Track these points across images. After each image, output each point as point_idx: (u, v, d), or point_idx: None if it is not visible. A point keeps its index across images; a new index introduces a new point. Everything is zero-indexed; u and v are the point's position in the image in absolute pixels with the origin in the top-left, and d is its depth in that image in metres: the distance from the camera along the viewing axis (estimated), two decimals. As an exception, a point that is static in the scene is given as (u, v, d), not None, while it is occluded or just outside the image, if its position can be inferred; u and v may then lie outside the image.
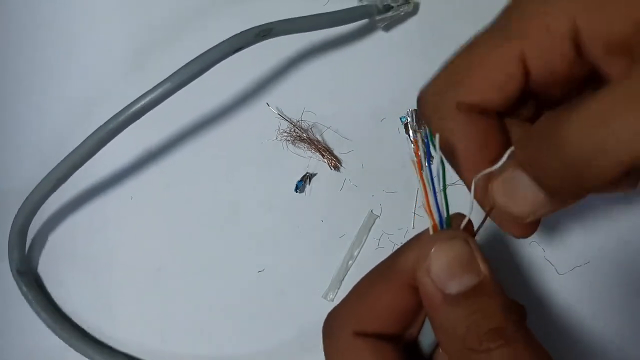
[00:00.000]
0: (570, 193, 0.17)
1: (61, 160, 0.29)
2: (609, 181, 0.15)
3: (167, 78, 0.28)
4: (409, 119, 0.33)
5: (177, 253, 0.34)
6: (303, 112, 0.33)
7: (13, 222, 0.32)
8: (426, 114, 0.21)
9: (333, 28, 0.33)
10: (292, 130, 0.33)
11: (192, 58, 0.28)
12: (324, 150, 0.33)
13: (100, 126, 0.28)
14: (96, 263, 0.34)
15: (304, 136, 0.33)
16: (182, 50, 0.34)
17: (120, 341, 0.34)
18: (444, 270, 0.18)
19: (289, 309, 0.33)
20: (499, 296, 0.19)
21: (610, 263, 0.31)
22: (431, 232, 0.20)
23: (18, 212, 0.32)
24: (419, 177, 0.19)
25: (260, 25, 0.28)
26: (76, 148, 0.29)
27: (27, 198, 0.31)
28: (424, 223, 0.32)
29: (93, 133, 0.28)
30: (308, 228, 0.33)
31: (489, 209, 0.20)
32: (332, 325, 0.21)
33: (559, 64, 0.18)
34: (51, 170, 0.30)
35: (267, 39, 0.28)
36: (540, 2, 0.18)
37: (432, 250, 0.19)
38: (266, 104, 0.34)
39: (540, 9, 0.18)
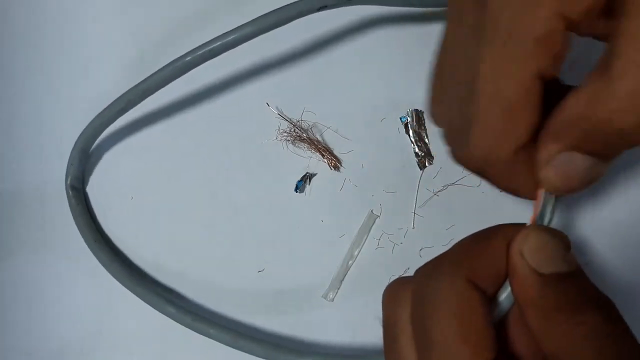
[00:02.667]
0: (623, 150, 0.18)
1: (134, 85, 0.31)
2: None
3: (247, 22, 0.28)
4: (409, 119, 0.33)
5: (177, 253, 0.34)
6: (303, 112, 0.33)
7: (78, 138, 0.33)
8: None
9: (333, 28, 0.33)
10: (292, 130, 0.33)
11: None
12: (324, 150, 0.33)
13: (177, 58, 0.30)
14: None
15: (304, 136, 0.33)
16: (183, 51, 0.35)
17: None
18: (538, 254, 0.19)
19: (289, 309, 0.33)
20: (593, 286, 0.20)
21: (610, 263, 0.31)
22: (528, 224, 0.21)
23: (85, 129, 0.32)
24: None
25: None
26: (151, 75, 0.30)
27: (96, 117, 0.32)
28: (424, 223, 0.32)
29: (168, 64, 0.30)
30: (308, 228, 0.33)
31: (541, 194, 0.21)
32: (439, 270, 0.20)
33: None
34: (124, 93, 0.31)
35: (351, 4, 0.29)
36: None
37: (526, 233, 0.20)
38: (266, 104, 0.34)
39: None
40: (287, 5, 0.28)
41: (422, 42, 0.33)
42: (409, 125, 0.33)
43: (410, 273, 0.32)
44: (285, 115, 0.33)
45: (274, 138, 0.34)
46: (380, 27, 0.33)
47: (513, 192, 0.22)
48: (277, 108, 0.34)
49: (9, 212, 0.35)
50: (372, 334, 0.32)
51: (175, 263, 0.34)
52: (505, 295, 0.21)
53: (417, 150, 0.32)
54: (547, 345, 0.18)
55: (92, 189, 0.35)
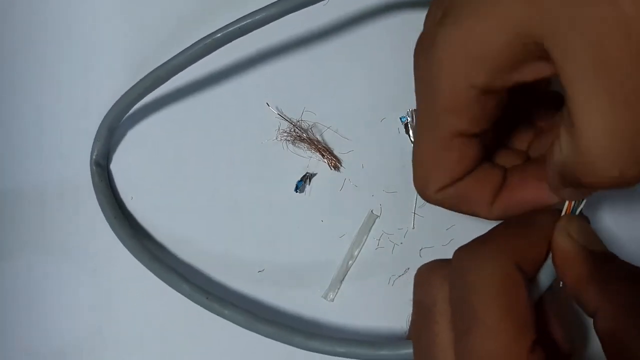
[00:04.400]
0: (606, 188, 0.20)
1: (164, 62, 0.31)
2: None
3: (272, 3, 0.29)
4: (409, 119, 0.33)
5: (177, 253, 0.34)
6: (303, 112, 0.33)
7: (106, 115, 0.33)
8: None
9: (333, 28, 0.33)
10: (292, 130, 0.33)
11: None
12: (324, 150, 0.33)
13: (206, 35, 0.30)
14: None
15: (304, 136, 0.33)
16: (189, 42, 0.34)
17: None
18: (585, 233, 0.21)
19: (289, 309, 0.33)
20: (632, 265, 0.21)
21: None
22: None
23: (113, 106, 0.32)
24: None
25: None
26: (179, 53, 0.30)
27: (124, 94, 0.32)
28: (424, 223, 0.32)
29: (197, 41, 0.30)
30: (308, 228, 0.33)
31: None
32: (482, 253, 0.21)
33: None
34: (152, 70, 0.31)
35: None
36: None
37: (574, 217, 0.22)
38: (266, 104, 0.34)
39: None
40: None
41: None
42: (409, 125, 0.33)
43: (411, 273, 0.32)
44: (285, 115, 0.33)
45: (274, 138, 0.34)
46: (380, 27, 0.33)
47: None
48: (277, 108, 0.34)
49: (9, 212, 0.35)
50: (372, 334, 0.32)
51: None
52: (544, 276, 0.22)
53: (417, 150, 0.32)
54: (608, 311, 0.19)
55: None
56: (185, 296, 0.32)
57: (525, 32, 0.17)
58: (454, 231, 0.32)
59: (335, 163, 0.33)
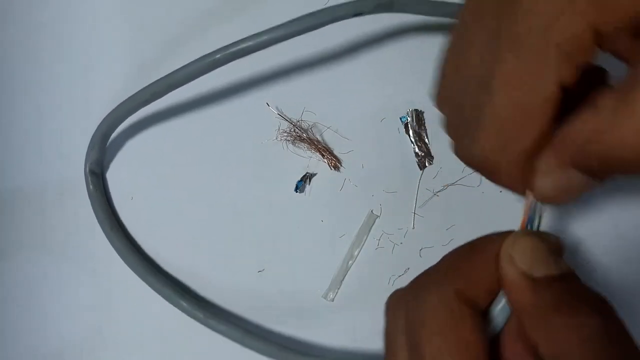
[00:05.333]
0: (619, 175, 0.18)
1: (161, 77, 0.31)
2: None
3: (280, 25, 0.28)
4: (409, 119, 0.33)
5: (177, 253, 0.34)
6: (303, 112, 0.33)
7: (100, 123, 0.33)
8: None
9: (333, 29, 0.33)
10: (292, 130, 0.33)
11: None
12: (324, 150, 0.33)
13: (207, 54, 0.29)
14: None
15: (304, 136, 0.33)
16: (183, 53, 0.35)
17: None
18: (528, 258, 0.20)
19: (289, 309, 0.33)
20: (583, 285, 0.20)
21: (610, 263, 0.31)
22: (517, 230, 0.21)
23: (108, 115, 0.32)
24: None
25: None
26: (178, 69, 0.30)
27: (119, 104, 0.32)
28: (424, 223, 0.32)
29: (197, 59, 0.30)
30: (308, 228, 0.33)
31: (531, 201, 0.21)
32: (428, 282, 0.20)
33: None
34: (149, 84, 0.31)
35: (386, 12, 0.29)
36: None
37: (515, 238, 0.20)
38: (266, 104, 0.34)
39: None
40: (323, 9, 0.28)
41: (423, 42, 0.33)
42: (409, 125, 0.33)
43: (411, 273, 0.32)
44: (285, 115, 0.33)
45: (274, 138, 0.34)
46: (380, 28, 0.33)
47: (506, 188, 0.22)
48: (277, 108, 0.34)
49: (9, 212, 0.35)
50: (372, 334, 0.32)
51: (182, 259, 0.34)
52: (499, 307, 0.20)
53: (417, 150, 0.32)
54: (547, 350, 0.18)
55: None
56: (182, 311, 0.32)
57: None
58: (454, 231, 0.32)
59: (335, 163, 0.33)
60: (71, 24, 0.36)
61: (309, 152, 0.33)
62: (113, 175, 0.35)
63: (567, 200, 0.20)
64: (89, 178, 0.34)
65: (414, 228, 0.32)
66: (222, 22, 0.35)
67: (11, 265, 0.35)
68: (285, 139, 0.33)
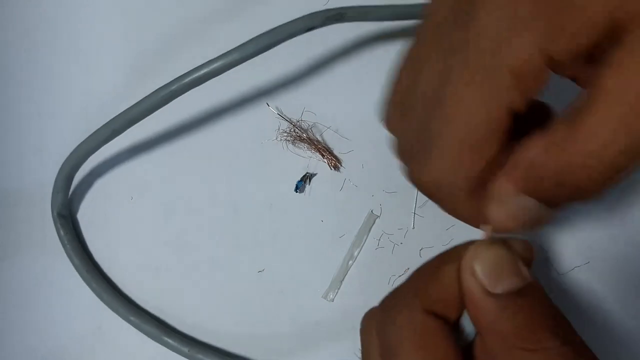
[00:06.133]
0: (571, 202, 0.18)
1: (119, 113, 0.30)
2: (606, 184, 0.17)
3: (234, 48, 0.28)
4: (409, 119, 0.33)
5: (177, 253, 0.34)
6: (303, 112, 0.33)
7: (62, 165, 0.32)
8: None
9: (332, 28, 0.33)
10: (292, 130, 0.33)
11: (199, 63, 0.29)
12: (324, 150, 0.33)
13: (163, 85, 0.29)
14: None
15: (304, 136, 0.33)
16: (182, 55, 0.35)
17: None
18: (489, 271, 0.19)
19: (289, 309, 0.33)
20: (549, 301, 0.19)
21: (610, 263, 0.31)
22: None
23: (69, 156, 0.32)
24: None
25: (333, 9, 0.28)
26: (135, 104, 0.30)
27: (79, 145, 0.32)
28: (424, 223, 0.32)
29: (153, 92, 0.29)
30: (308, 228, 0.33)
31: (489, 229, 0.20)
32: (397, 302, 0.20)
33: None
34: (108, 121, 0.31)
35: (338, 22, 0.29)
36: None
37: (477, 250, 0.19)
38: (266, 104, 0.34)
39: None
40: (275, 28, 0.28)
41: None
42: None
43: (411, 273, 0.32)
44: (285, 115, 0.33)
45: (274, 138, 0.34)
46: (380, 28, 0.33)
47: (459, 219, 0.21)
48: (277, 108, 0.34)
49: (9, 212, 0.35)
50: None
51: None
52: (466, 319, 0.20)
53: (417, 150, 0.32)
54: None
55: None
56: (167, 348, 0.32)
57: (617, 7, 0.16)
58: (454, 231, 0.32)
59: (335, 163, 0.33)
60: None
61: (309, 152, 0.33)
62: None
63: (520, 229, 0.19)
64: (58, 222, 0.33)
65: (414, 228, 0.32)
66: (214, 28, 0.35)
67: (11, 265, 0.35)
68: (285, 139, 0.33)
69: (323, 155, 0.33)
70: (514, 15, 0.17)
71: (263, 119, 0.34)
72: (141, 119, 0.30)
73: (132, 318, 0.32)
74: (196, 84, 0.29)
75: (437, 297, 0.20)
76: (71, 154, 0.32)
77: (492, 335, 0.19)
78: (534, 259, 0.20)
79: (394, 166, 0.33)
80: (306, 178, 0.33)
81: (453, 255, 0.20)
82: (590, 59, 0.17)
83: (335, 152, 0.33)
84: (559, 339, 0.18)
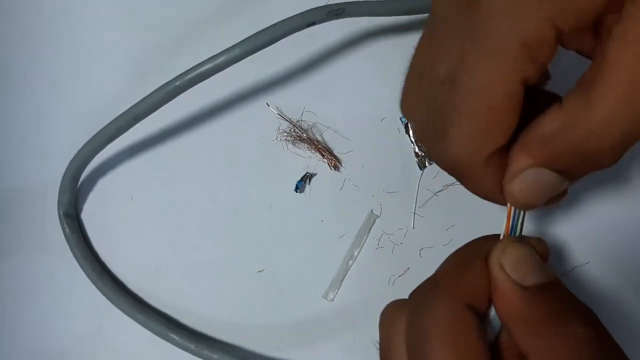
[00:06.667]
0: (588, 171, 0.19)
1: (125, 111, 0.30)
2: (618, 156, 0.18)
3: (237, 44, 0.28)
4: (409, 119, 0.33)
5: (177, 253, 0.34)
6: (303, 112, 0.33)
7: (68, 165, 0.32)
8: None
9: (332, 28, 0.33)
10: (292, 130, 0.33)
11: (201, 60, 0.29)
12: (324, 150, 0.33)
13: (167, 82, 0.29)
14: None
15: (304, 136, 0.33)
16: (184, 54, 0.35)
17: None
18: (518, 265, 0.20)
19: (289, 309, 0.33)
20: (570, 293, 0.20)
21: (610, 263, 0.31)
22: (502, 236, 0.21)
23: (75, 155, 0.32)
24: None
25: (333, 4, 0.29)
26: (140, 101, 0.30)
27: (85, 144, 0.32)
28: (424, 223, 0.32)
29: (158, 89, 0.29)
30: (308, 228, 0.33)
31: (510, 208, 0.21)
32: (432, 296, 0.20)
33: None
34: (114, 119, 0.31)
35: (338, 18, 0.29)
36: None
37: (504, 246, 0.20)
38: (266, 104, 0.34)
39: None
40: (276, 23, 0.28)
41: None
42: (409, 125, 0.33)
43: (411, 273, 0.32)
44: (285, 115, 0.33)
45: (274, 138, 0.34)
46: (380, 27, 0.33)
47: (481, 196, 0.22)
48: (277, 108, 0.34)
49: (9, 212, 0.35)
50: (372, 335, 0.32)
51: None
52: (495, 312, 0.20)
53: (417, 150, 0.32)
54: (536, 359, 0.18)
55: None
56: (173, 344, 0.32)
57: None
58: (454, 231, 0.32)
59: (335, 163, 0.33)
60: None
61: (309, 152, 0.33)
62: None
63: (538, 203, 0.20)
64: (64, 222, 0.33)
65: (414, 228, 0.32)
66: (219, 24, 0.35)
67: (11, 265, 0.35)
68: (285, 139, 0.33)
69: (323, 155, 0.33)
70: None
71: (263, 119, 0.34)
72: (146, 116, 0.30)
73: (138, 316, 0.32)
74: (199, 80, 0.29)
75: (471, 290, 0.20)
76: (77, 153, 0.32)
77: (520, 325, 0.19)
78: (549, 255, 0.21)
79: (394, 166, 0.33)
80: (306, 178, 0.33)
81: (478, 250, 0.21)
82: (597, 32, 0.18)
83: (335, 152, 0.33)
84: (590, 325, 0.18)
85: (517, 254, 0.20)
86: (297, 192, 0.33)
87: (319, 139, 0.33)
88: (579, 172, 0.19)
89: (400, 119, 0.33)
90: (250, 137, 0.34)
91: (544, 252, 0.21)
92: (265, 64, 0.34)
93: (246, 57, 0.28)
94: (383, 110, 0.33)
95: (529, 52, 0.18)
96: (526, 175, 0.19)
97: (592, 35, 0.19)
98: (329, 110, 0.33)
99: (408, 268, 0.32)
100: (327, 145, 0.33)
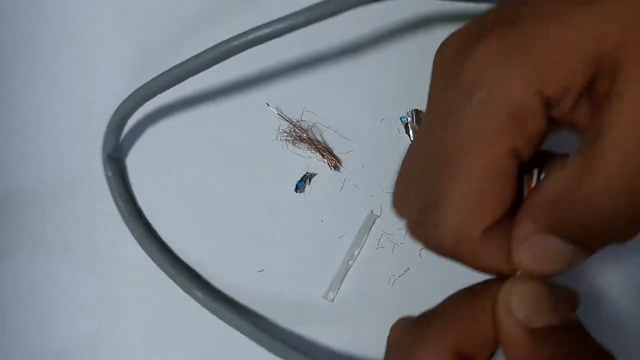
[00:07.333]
0: (605, 244, 0.17)
1: (179, 63, 0.30)
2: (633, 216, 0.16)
3: (295, 12, 0.27)
4: (409, 119, 0.33)
5: (177, 253, 0.34)
6: (303, 112, 0.33)
7: (117, 109, 0.32)
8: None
9: (332, 28, 0.33)
10: (292, 130, 0.33)
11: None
12: (324, 150, 0.33)
13: (224, 40, 0.29)
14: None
15: (304, 136, 0.33)
16: (183, 53, 0.35)
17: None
18: (527, 305, 0.18)
19: (289, 309, 0.33)
20: (589, 337, 0.18)
21: (610, 263, 0.31)
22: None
23: (124, 101, 0.32)
24: None
25: None
26: (195, 55, 0.29)
27: (136, 90, 0.31)
28: (424, 223, 0.32)
29: (216, 45, 0.29)
30: (308, 228, 0.33)
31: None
32: (423, 338, 0.19)
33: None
34: (167, 70, 0.30)
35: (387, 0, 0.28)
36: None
37: (514, 284, 0.19)
38: (266, 103, 0.34)
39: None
40: None
41: (423, 41, 0.33)
42: (409, 125, 0.33)
43: (411, 273, 0.32)
44: (285, 115, 0.33)
45: (274, 138, 0.34)
46: (379, 27, 0.33)
47: (489, 273, 0.20)
48: (277, 108, 0.34)
49: (9, 212, 0.35)
50: (372, 335, 0.32)
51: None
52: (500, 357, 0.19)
53: (417, 150, 0.32)
54: None
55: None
56: (197, 301, 0.32)
57: (601, 47, 0.16)
58: (454, 231, 0.32)
59: (335, 163, 0.33)
60: (74, 20, 0.36)
61: (309, 152, 0.33)
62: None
63: (552, 273, 0.19)
64: (107, 164, 0.33)
65: (414, 228, 0.32)
66: (229, 15, 0.35)
67: (11, 265, 0.35)
68: (285, 139, 0.33)
69: (323, 155, 0.33)
70: (503, 59, 0.17)
71: (263, 118, 0.34)
72: (199, 72, 0.30)
73: (168, 268, 0.32)
74: (257, 42, 0.28)
75: (468, 335, 0.19)
76: (126, 98, 0.32)
77: None
78: (578, 305, 0.20)
79: (394, 166, 0.33)
80: (306, 178, 0.33)
81: (486, 289, 0.19)
82: (591, 101, 0.17)
83: (335, 152, 0.33)
84: None
85: (527, 291, 0.18)
86: (297, 192, 0.33)
87: (319, 139, 0.33)
88: (590, 241, 0.17)
89: (400, 118, 0.33)
90: (250, 137, 0.34)
91: (569, 296, 0.19)
92: (266, 64, 0.34)
93: (306, 25, 0.27)
94: (383, 110, 0.33)
95: (516, 123, 0.17)
96: (533, 242, 0.18)
97: (586, 107, 0.18)
98: (329, 110, 0.33)
99: (408, 268, 0.32)
100: (327, 145, 0.33)
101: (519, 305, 0.18)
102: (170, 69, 0.30)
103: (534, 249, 0.18)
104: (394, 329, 0.21)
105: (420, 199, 0.20)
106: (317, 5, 0.27)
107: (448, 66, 0.19)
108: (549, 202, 0.17)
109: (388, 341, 0.21)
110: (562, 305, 0.18)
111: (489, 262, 0.19)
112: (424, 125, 0.20)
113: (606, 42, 0.16)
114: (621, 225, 0.16)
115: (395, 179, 0.22)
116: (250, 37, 0.28)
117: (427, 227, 0.19)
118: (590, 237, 0.17)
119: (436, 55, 0.20)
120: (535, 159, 0.19)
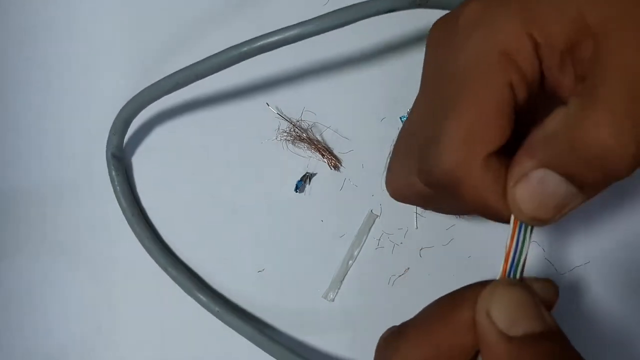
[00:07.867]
0: (602, 183, 0.17)
1: (185, 66, 0.30)
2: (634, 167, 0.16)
3: (311, 19, 0.27)
4: (409, 118, 0.33)
5: (177, 253, 0.34)
6: (303, 112, 0.33)
7: (122, 108, 0.32)
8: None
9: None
10: (292, 130, 0.33)
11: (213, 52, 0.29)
12: (324, 150, 0.33)
13: (233, 46, 0.29)
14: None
15: (303, 136, 0.33)
16: (183, 52, 0.35)
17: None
18: (506, 312, 0.18)
19: (289, 309, 0.33)
20: (569, 347, 0.18)
21: (610, 263, 0.31)
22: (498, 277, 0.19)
23: (130, 100, 0.32)
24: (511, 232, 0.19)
25: None
26: (203, 60, 0.29)
27: (142, 90, 0.31)
28: (425, 223, 0.32)
29: (224, 51, 0.29)
30: (308, 228, 0.33)
31: (515, 223, 0.19)
32: (403, 345, 0.19)
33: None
34: (173, 72, 0.30)
35: (421, 7, 0.28)
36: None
37: (493, 290, 0.18)
38: (266, 103, 0.34)
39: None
40: (357, 4, 0.27)
41: (423, 43, 0.33)
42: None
43: (410, 273, 0.32)
44: (285, 115, 0.33)
45: (274, 138, 0.34)
46: (379, 27, 0.33)
47: (482, 207, 0.19)
48: (277, 108, 0.34)
49: (9, 212, 0.35)
50: (372, 335, 0.32)
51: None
52: None
53: (417, 150, 0.32)
54: None
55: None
56: (199, 304, 0.32)
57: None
58: (454, 231, 0.32)
59: (335, 163, 0.33)
60: (77, 21, 0.36)
61: (309, 152, 0.33)
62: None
63: (548, 213, 0.18)
64: (111, 163, 0.33)
65: (417, 228, 0.32)
66: (235, 17, 0.35)
67: (11, 265, 0.35)
68: (285, 139, 0.33)
69: (323, 155, 0.33)
70: (495, 5, 0.18)
71: (263, 118, 0.34)
72: (206, 76, 0.30)
73: (170, 269, 0.33)
74: (267, 49, 0.28)
75: (448, 342, 0.18)
76: (132, 98, 0.32)
77: None
78: (556, 300, 0.19)
79: (394, 166, 0.33)
80: (306, 178, 0.33)
81: (466, 296, 0.19)
82: (575, 66, 0.18)
83: (335, 152, 0.33)
84: None
85: (508, 299, 0.18)
86: (297, 192, 0.33)
87: (319, 138, 0.33)
88: (589, 179, 0.17)
89: (400, 118, 0.33)
90: (250, 137, 0.34)
91: (549, 296, 0.19)
92: (266, 64, 0.34)
93: (318, 34, 0.28)
94: (383, 110, 0.33)
95: (509, 60, 0.18)
96: (531, 178, 0.18)
97: (570, 74, 0.18)
98: (329, 110, 0.33)
99: (408, 268, 0.32)
100: (327, 145, 0.33)
101: (499, 312, 0.18)
102: (176, 72, 0.30)
103: (530, 186, 0.18)
104: (380, 339, 0.21)
105: (421, 142, 0.21)
106: (328, 14, 0.27)
107: (441, 31, 0.21)
108: (549, 138, 0.17)
109: (375, 351, 0.21)
110: (542, 311, 0.18)
111: (487, 195, 0.19)
112: (421, 86, 0.22)
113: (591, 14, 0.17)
114: (622, 158, 0.16)
115: (389, 162, 0.23)
116: (260, 43, 0.28)
117: (429, 158, 0.20)
118: (589, 174, 0.17)
119: (429, 32, 0.22)
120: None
